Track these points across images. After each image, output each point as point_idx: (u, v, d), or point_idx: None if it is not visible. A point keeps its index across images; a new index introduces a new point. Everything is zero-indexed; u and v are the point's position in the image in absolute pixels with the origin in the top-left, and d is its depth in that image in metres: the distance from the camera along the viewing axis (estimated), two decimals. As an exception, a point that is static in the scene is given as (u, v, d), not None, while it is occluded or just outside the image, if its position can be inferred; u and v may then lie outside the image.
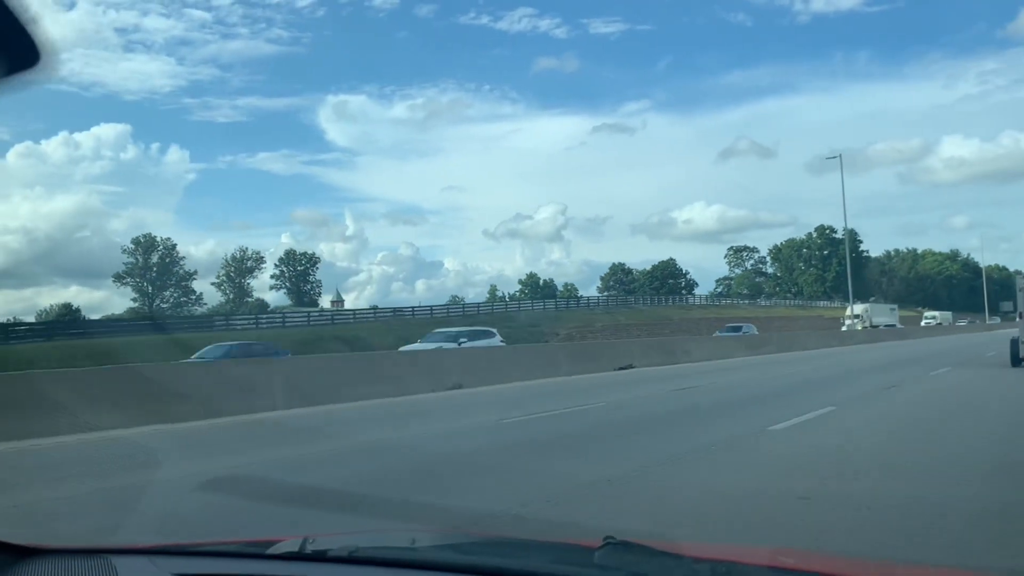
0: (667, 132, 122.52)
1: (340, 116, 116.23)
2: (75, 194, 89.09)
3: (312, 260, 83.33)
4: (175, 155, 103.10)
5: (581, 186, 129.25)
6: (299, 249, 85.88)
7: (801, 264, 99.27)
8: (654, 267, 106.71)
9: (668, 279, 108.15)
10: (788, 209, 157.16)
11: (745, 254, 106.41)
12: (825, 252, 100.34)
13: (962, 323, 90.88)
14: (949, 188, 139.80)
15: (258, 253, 79.73)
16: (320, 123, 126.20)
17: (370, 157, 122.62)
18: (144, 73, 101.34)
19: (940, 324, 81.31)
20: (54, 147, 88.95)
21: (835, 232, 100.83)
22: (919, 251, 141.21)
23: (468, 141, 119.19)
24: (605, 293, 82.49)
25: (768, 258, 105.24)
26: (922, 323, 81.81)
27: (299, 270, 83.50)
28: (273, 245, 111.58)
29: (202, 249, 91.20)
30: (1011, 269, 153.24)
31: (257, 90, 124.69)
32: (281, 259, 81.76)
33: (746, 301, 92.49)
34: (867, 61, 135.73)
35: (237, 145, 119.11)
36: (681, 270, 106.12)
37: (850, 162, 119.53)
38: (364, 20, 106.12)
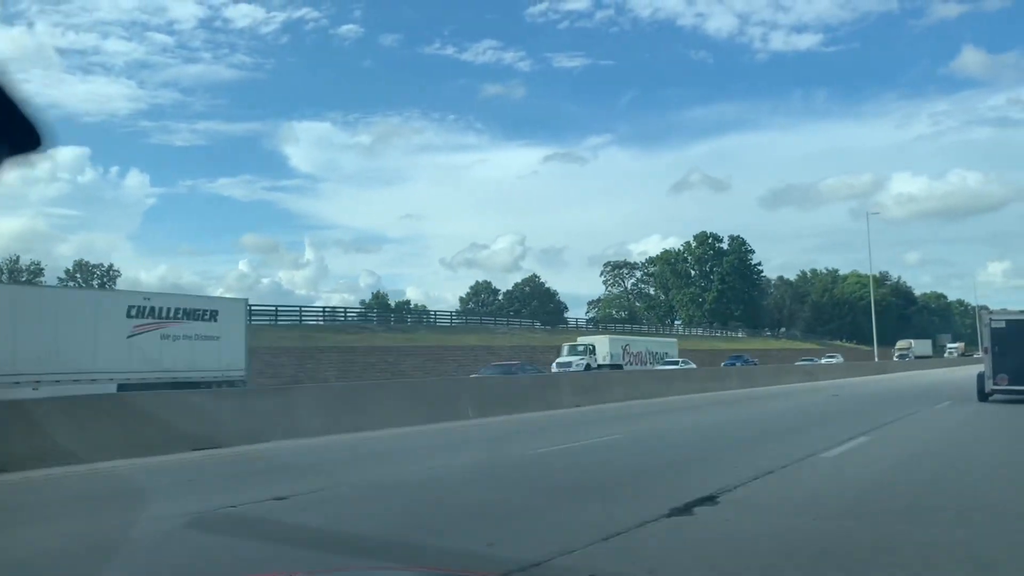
0: (627, 165, 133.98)
1: (302, 143, 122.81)
2: (22, 216, 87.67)
3: (110, 273, 73.54)
4: (135, 179, 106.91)
5: (540, 216, 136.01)
6: (253, 274, 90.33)
7: (681, 282, 78.23)
8: (516, 285, 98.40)
9: (531, 300, 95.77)
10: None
11: (625, 271, 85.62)
12: (706, 267, 79.58)
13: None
14: (901, 224, 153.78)
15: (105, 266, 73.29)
16: (282, 149, 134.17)
17: (332, 184, 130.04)
18: (104, 95, 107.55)
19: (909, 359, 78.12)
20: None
21: (720, 241, 79.98)
22: (841, 272, 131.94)
23: (431, 170, 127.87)
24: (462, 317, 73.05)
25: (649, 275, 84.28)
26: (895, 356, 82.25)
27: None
28: (231, 271, 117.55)
29: (153, 275, 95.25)
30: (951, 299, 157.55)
31: (218, 115, 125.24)
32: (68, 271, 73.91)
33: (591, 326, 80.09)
34: (825, 100, 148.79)
35: (197, 170, 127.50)
36: (550, 291, 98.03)
37: (805, 197, 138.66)
38: (329, 48, 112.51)
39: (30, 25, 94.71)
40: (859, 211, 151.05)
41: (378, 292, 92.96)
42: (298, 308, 53.68)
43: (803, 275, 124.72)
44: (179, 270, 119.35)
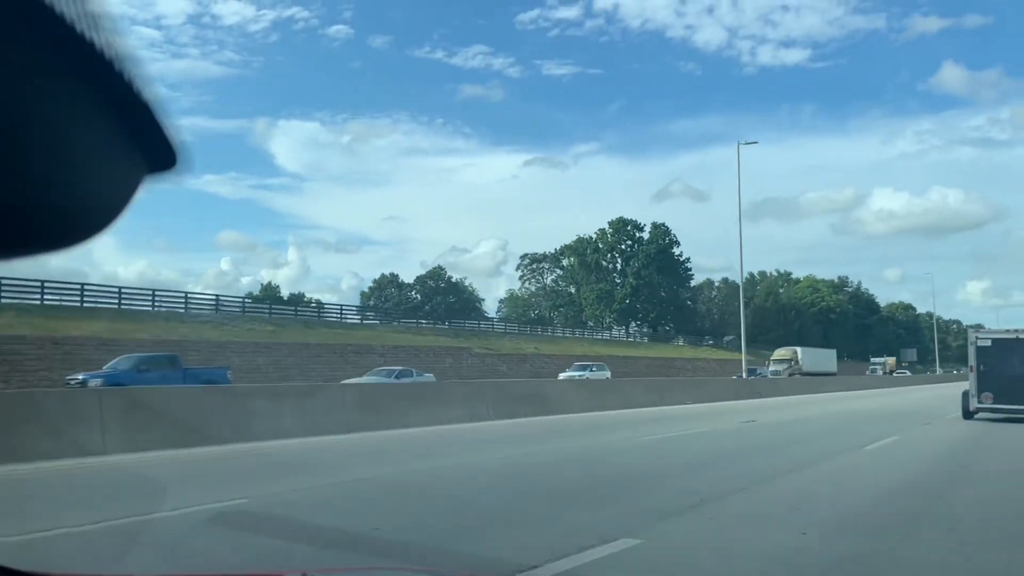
0: (612, 173, 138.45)
1: (289, 142, 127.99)
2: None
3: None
4: None
5: (523, 221, 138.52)
6: (233, 272, 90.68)
7: (592, 276, 67.86)
8: (418, 278, 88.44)
9: (436, 295, 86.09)
10: (727, 254, 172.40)
11: (545, 266, 75.14)
12: (620, 259, 69.27)
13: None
14: (882, 240, 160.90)
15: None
16: (268, 147, 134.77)
17: (318, 184, 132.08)
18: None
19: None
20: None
21: (641, 229, 69.73)
22: (795, 275, 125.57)
23: (417, 173, 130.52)
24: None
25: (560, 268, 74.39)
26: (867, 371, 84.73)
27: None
28: (212, 269, 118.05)
29: (131, 270, 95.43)
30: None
31: (204, 111, 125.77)
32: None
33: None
34: (812, 115, 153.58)
35: (182, 166, 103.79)
36: (460, 285, 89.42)
37: (785, 211, 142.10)
38: (318, 48, 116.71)
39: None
40: (840, 226, 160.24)
41: (269, 283, 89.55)
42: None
43: (752, 277, 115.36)
44: (158, 267, 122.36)
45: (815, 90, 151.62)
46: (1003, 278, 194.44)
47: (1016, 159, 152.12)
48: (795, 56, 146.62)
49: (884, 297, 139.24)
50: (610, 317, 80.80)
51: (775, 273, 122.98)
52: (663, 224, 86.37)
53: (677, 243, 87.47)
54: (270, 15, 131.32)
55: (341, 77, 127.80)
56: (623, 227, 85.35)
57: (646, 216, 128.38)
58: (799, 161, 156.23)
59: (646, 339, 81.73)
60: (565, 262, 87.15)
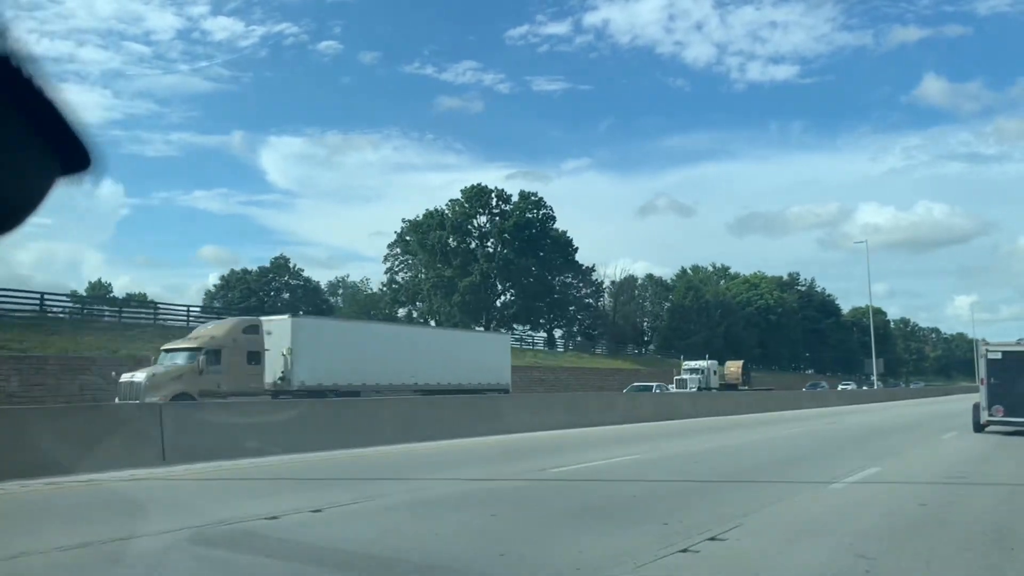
0: (600, 187, 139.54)
1: (279, 158, 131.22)
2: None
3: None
4: (109, 189, 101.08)
5: None
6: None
7: (436, 261, 48.76)
8: (262, 269, 74.33)
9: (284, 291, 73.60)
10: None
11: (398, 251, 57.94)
12: (471, 239, 51.08)
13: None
14: (871, 254, 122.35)
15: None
16: (259, 163, 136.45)
17: (308, 200, 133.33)
18: (78, 104, 62.75)
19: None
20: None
21: (507, 200, 51.04)
22: (732, 270, 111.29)
23: (407, 189, 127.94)
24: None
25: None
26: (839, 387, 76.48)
27: None
28: (199, 284, 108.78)
29: (117, 285, 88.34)
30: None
31: (193, 126, 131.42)
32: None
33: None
34: (801, 131, 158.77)
35: (172, 181, 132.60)
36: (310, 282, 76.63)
37: (771, 225, 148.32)
38: (308, 64, 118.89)
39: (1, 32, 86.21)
40: (826, 240, 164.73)
41: (98, 281, 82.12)
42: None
43: (683, 272, 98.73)
44: (143, 282, 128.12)
45: (804, 106, 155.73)
46: (991, 292, 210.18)
47: (1003, 173, 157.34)
48: (784, 72, 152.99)
49: (825, 288, 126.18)
50: (448, 310, 62.13)
51: (711, 268, 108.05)
52: (534, 193, 68.49)
53: (553, 218, 68.89)
54: (260, 31, 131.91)
55: (331, 93, 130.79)
56: (480, 196, 66.61)
57: (634, 231, 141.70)
58: (789, 178, 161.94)
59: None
60: (409, 239, 67.42)
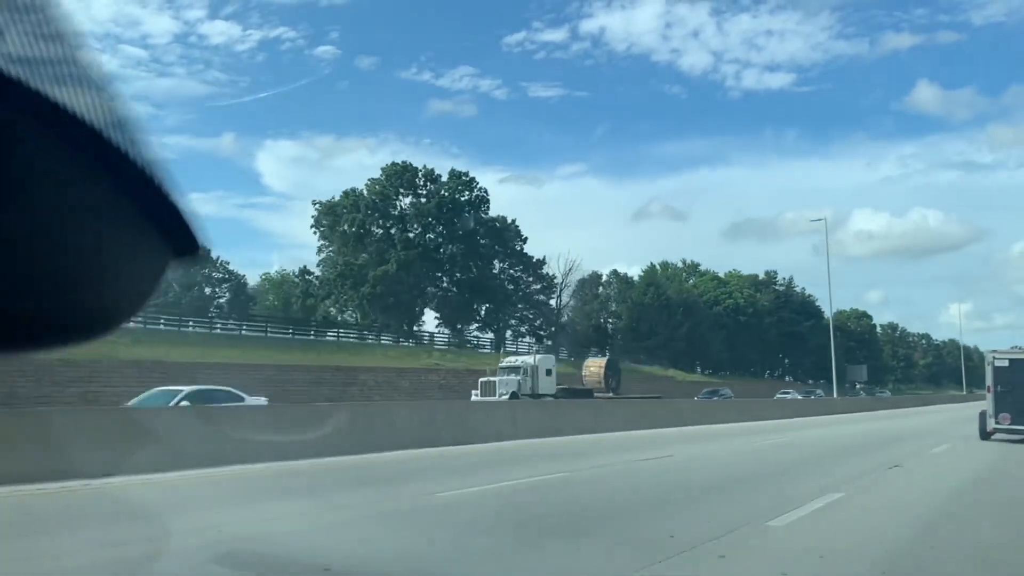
0: (596, 193, 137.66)
1: (276, 161, 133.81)
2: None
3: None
4: None
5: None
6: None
7: (345, 248, 41.05)
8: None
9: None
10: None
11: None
12: (393, 224, 44.30)
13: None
14: (865, 262, 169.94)
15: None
16: (255, 167, 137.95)
17: (305, 204, 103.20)
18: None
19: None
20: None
21: (435, 179, 43.33)
22: (703, 267, 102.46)
23: None
24: None
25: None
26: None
27: None
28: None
29: None
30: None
31: (190, 130, 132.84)
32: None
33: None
34: (796, 139, 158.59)
35: (168, 184, 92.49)
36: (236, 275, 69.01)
37: (764, 231, 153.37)
38: (304, 68, 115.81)
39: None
40: (821, 247, 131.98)
41: None
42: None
43: (652, 268, 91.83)
44: None
45: (799, 114, 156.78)
46: (986, 300, 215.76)
47: (998, 181, 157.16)
48: (779, 80, 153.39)
49: (805, 288, 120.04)
50: (359, 303, 54.36)
51: (681, 265, 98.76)
52: (466, 173, 61.11)
53: (486, 199, 61.46)
54: (257, 35, 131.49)
55: (328, 97, 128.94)
56: (403, 175, 58.64)
57: (628, 236, 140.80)
58: (784, 185, 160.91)
59: (411, 342, 55.71)
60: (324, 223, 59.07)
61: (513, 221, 70.41)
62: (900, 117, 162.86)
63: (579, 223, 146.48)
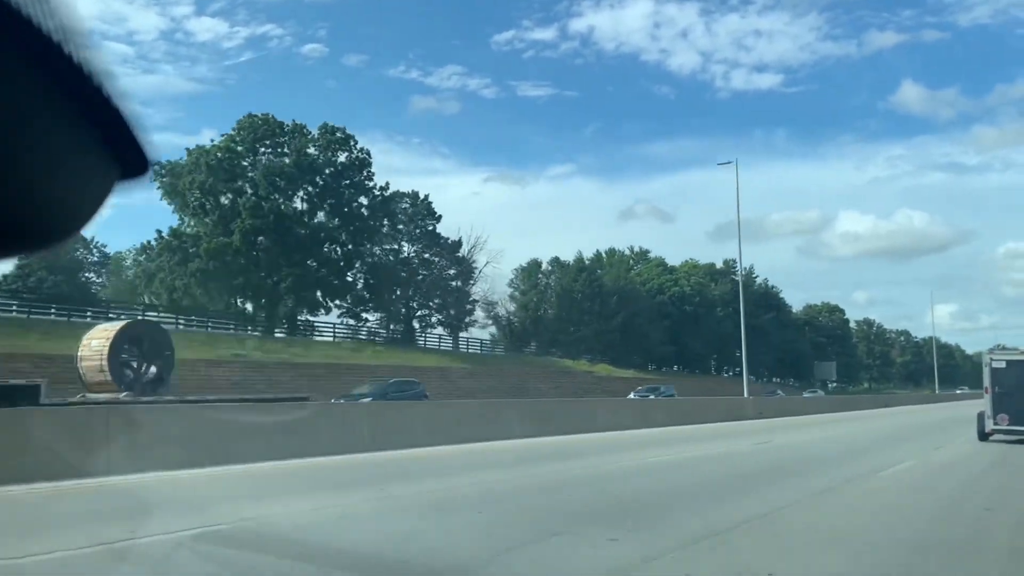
0: (589, 195, 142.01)
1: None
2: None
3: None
4: None
5: (496, 241, 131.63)
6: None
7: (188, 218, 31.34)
8: None
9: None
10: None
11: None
12: (246, 185, 35.62)
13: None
14: (850, 262, 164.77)
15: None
16: None
17: None
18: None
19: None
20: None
21: (305, 132, 32.62)
22: (653, 254, 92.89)
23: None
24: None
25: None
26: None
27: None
28: None
29: None
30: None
31: (177, 127, 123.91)
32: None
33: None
34: (785, 139, 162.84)
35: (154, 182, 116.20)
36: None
37: (756, 233, 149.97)
38: (292, 66, 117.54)
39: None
40: (806, 248, 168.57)
41: None
42: None
43: (598, 256, 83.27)
44: None
45: (788, 115, 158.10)
46: (971, 301, 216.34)
47: (985, 183, 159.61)
48: (768, 81, 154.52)
49: (768, 281, 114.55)
50: (186, 283, 44.67)
51: (628, 252, 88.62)
52: (342, 128, 51.23)
53: (367, 160, 51.91)
54: (244, 32, 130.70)
55: (316, 95, 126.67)
56: (263, 128, 48.86)
57: (616, 237, 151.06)
58: (772, 186, 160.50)
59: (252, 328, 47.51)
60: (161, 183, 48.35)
61: (426, 197, 61.97)
62: (887, 117, 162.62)
63: (565, 224, 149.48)
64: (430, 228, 62.32)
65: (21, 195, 0.81)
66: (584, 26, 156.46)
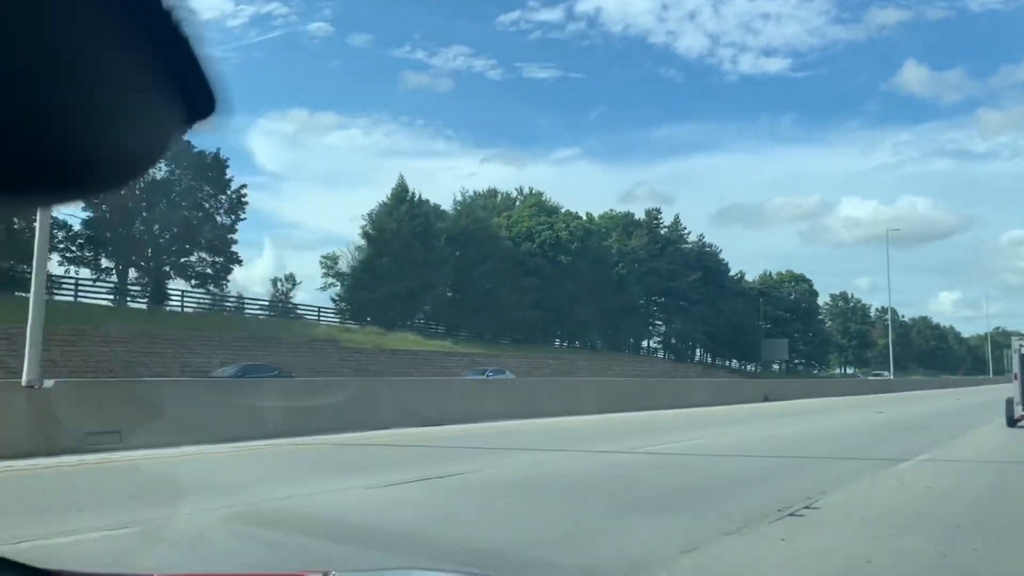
0: (595, 178, 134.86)
1: (267, 140, 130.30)
2: None
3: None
4: None
5: None
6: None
7: None
8: None
9: None
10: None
11: None
12: None
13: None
14: (853, 248, 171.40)
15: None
16: (247, 146, 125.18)
17: (297, 184, 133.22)
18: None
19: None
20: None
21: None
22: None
23: (395, 175, 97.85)
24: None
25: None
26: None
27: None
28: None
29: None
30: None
31: None
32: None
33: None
34: (791, 124, 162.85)
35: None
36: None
37: (751, 217, 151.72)
38: (297, 46, 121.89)
39: None
40: (808, 233, 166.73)
41: None
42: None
43: (466, 201, 65.35)
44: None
45: (795, 100, 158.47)
46: (976, 288, 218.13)
47: (992, 171, 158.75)
48: (776, 65, 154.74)
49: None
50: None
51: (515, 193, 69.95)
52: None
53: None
54: (248, 10, 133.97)
55: (320, 75, 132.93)
56: None
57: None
58: (778, 171, 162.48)
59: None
60: None
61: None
62: (893, 102, 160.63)
63: (572, 206, 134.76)
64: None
65: (91, 129, 0.77)
66: (591, 7, 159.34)
